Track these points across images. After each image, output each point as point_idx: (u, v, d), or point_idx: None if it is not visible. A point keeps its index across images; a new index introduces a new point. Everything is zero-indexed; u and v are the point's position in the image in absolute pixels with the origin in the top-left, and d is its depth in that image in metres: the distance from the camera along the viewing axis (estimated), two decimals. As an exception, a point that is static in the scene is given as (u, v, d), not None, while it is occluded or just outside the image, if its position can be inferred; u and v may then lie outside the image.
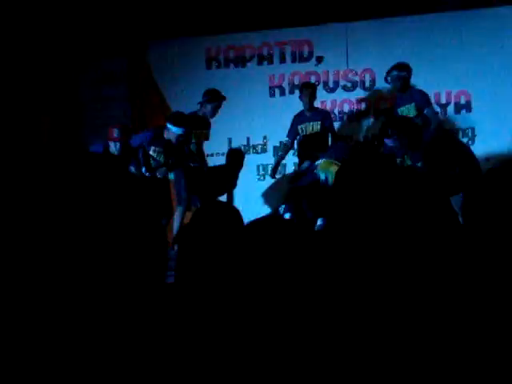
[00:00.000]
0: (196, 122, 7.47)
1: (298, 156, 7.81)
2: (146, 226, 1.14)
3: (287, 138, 7.91)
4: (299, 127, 7.70)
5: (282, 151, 8.11)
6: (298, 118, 7.73)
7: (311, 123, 7.63)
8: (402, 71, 7.20)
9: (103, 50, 8.49)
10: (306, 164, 7.51)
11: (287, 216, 7.21)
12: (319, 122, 7.61)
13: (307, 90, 7.65)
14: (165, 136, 7.16)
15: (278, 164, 7.96)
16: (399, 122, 6.74)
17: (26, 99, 8.18)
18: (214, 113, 7.61)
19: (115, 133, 7.10)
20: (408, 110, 7.12)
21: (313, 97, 7.66)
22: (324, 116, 7.72)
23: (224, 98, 7.64)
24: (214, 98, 7.56)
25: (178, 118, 7.18)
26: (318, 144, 7.51)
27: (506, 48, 7.69)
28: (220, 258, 1.71)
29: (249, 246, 1.66)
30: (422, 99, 7.13)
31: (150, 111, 8.65)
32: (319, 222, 7.10)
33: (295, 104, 8.05)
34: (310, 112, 7.66)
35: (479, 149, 7.57)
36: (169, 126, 7.14)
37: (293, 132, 7.79)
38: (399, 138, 6.47)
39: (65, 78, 8.59)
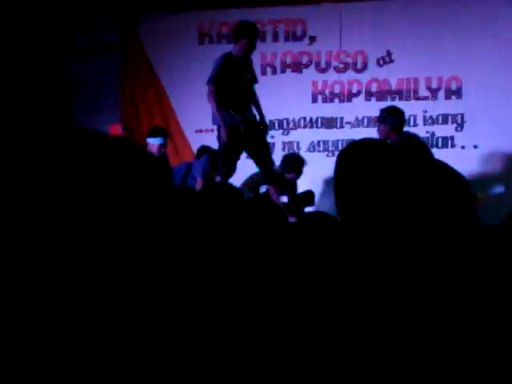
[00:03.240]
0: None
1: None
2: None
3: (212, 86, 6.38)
4: (232, 74, 6.39)
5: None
6: (228, 64, 6.42)
7: (247, 73, 6.58)
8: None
9: (95, 20, 8.36)
10: None
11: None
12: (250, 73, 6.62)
13: (253, 36, 6.45)
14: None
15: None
16: None
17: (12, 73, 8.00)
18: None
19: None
20: None
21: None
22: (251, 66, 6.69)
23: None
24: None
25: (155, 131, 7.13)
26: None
27: (498, 35, 7.71)
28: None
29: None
30: None
31: (140, 85, 8.56)
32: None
33: (286, 83, 8.10)
34: (246, 59, 6.57)
35: (468, 135, 7.79)
36: (148, 140, 7.00)
37: (222, 78, 6.35)
38: None
39: (52, 46, 8.42)
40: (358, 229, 1.73)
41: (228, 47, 8.12)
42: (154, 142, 6.99)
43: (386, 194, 1.72)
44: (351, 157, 2.08)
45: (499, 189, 7.60)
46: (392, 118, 6.63)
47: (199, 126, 7.98)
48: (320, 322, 1.36)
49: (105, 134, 1.07)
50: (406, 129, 7.21)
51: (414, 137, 6.91)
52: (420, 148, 6.65)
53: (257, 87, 7.88)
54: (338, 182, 2.01)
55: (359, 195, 1.81)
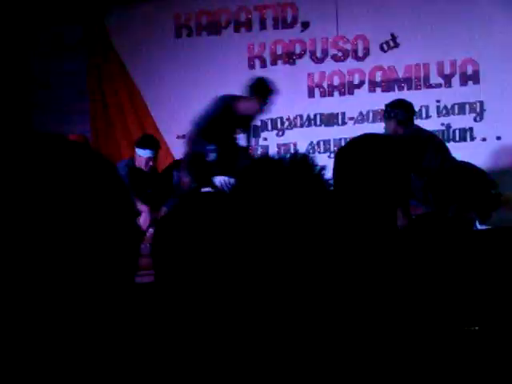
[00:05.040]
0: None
1: None
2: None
3: None
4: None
5: None
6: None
7: None
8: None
9: (56, 17, 7.83)
10: None
11: None
12: None
13: None
14: (136, 165, 6.52)
15: None
16: None
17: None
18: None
19: None
20: None
21: None
22: None
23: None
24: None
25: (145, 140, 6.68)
26: None
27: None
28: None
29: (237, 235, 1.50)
30: None
31: (110, 88, 8.11)
32: None
33: (278, 76, 7.52)
34: None
35: (489, 125, 7.52)
36: (136, 149, 6.58)
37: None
38: None
39: (13, 49, 7.88)
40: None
41: (209, 39, 8.03)
42: (141, 154, 6.58)
43: (386, 196, 1.85)
44: (349, 156, 2.08)
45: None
46: (397, 113, 6.42)
47: (181, 132, 7.46)
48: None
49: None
50: (418, 122, 7.00)
51: (425, 131, 6.66)
52: (429, 143, 6.48)
53: (245, 83, 7.60)
54: (336, 183, 2.02)
55: (359, 198, 1.91)
